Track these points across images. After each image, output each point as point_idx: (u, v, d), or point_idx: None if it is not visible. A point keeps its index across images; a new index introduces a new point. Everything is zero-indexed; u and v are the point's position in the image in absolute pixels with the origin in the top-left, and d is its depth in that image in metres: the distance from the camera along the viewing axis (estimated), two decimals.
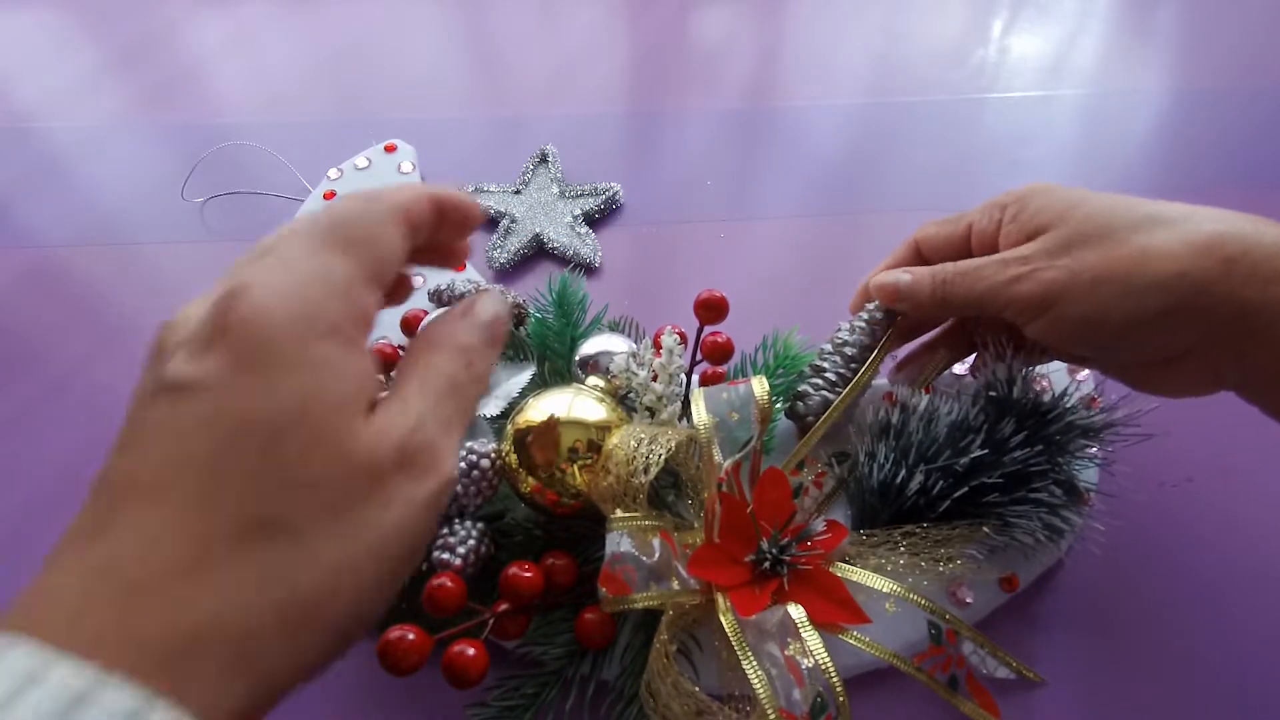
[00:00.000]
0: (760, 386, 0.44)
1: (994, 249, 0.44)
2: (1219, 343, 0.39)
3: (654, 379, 0.48)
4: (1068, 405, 0.46)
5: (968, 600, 0.47)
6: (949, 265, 0.44)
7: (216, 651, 0.20)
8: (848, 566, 0.46)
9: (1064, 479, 0.46)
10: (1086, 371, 0.55)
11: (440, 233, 0.29)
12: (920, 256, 0.49)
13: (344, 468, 0.22)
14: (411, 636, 0.39)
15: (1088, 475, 0.50)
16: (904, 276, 0.46)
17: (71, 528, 0.22)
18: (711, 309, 0.51)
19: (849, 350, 0.49)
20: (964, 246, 0.47)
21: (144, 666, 0.19)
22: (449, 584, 0.42)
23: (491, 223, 0.70)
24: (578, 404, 0.46)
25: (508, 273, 0.67)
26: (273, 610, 0.21)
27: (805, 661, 0.42)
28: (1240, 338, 0.38)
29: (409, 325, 0.55)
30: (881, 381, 0.55)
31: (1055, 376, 0.55)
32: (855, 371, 0.49)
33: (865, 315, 0.50)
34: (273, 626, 0.21)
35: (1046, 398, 0.47)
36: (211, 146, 0.74)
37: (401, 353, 0.53)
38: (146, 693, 0.18)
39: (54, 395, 0.60)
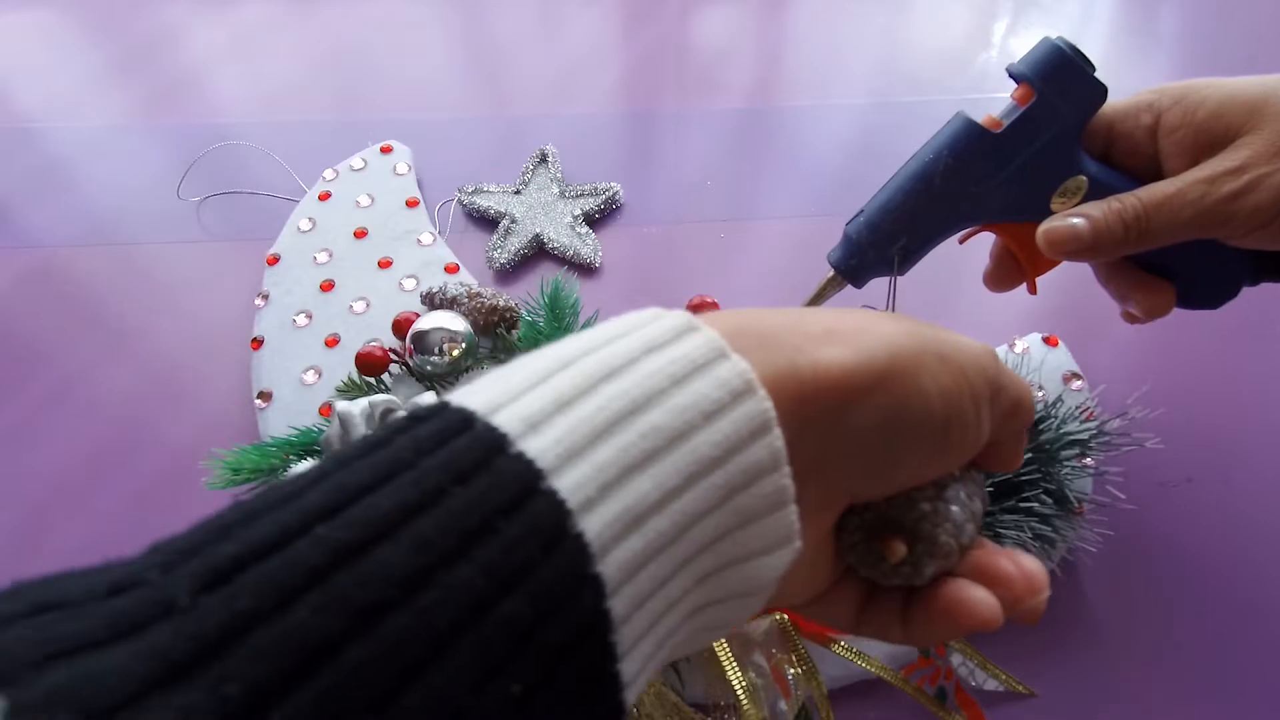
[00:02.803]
0: None
1: (1151, 158, 0.41)
2: None
3: None
4: (1058, 414, 0.46)
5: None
6: (1129, 198, 0.39)
7: None
8: None
9: (1055, 489, 0.45)
10: (1081, 381, 0.55)
11: None
12: None
13: None
14: None
15: (1081, 485, 0.49)
16: (1079, 223, 0.40)
17: None
18: (703, 314, 0.50)
19: None
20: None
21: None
22: None
23: (491, 223, 0.70)
24: None
25: (508, 273, 0.67)
26: None
27: (791, 671, 0.41)
28: None
29: (400, 328, 0.55)
30: None
31: (1049, 384, 0.54)
32: None
33: None
34: None
35: (1039, 406, 0.46)
36: (208, 146, 0.74)
37: (393, 356, 0.53)
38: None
39: (54, 395, 0.60)
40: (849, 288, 0.46)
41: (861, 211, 0.44)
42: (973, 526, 0.26)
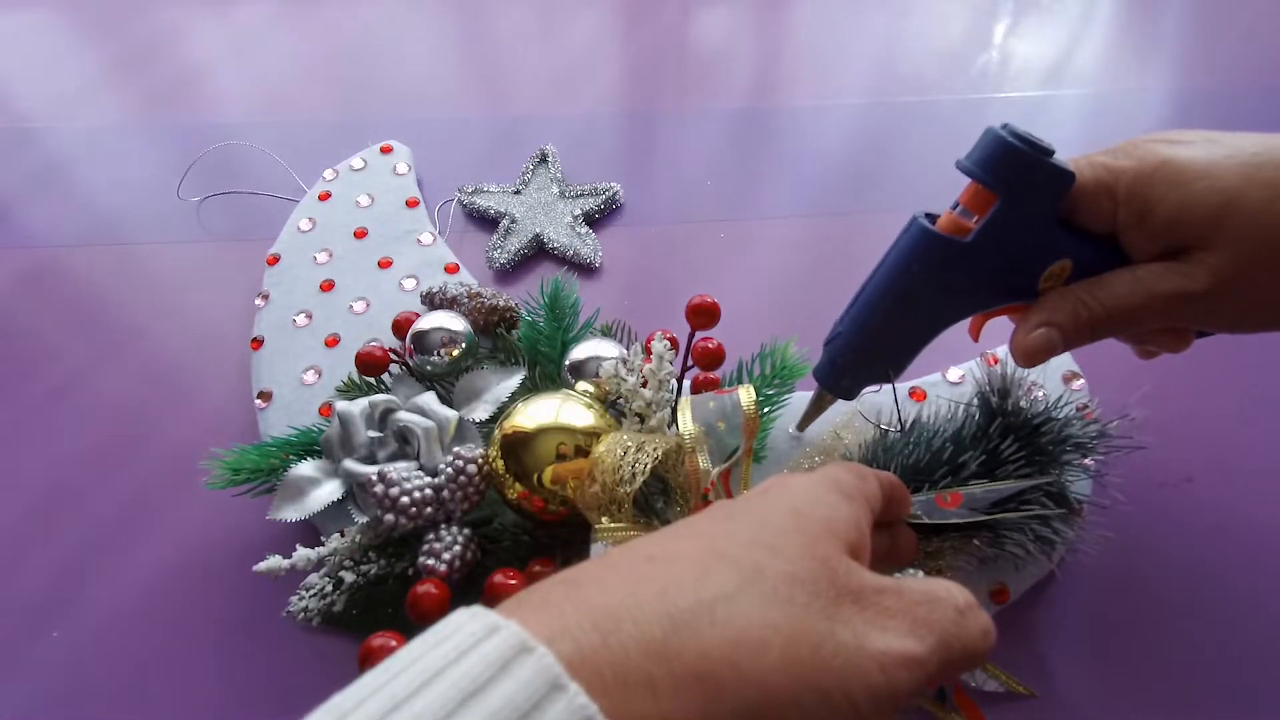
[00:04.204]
0: (747, 396, 0.43)
1: (1114, 230, 0.39)
2: None
3: (644, 385, 0.47)
4: (1059, 416, 0.46)
5: None
6: (1094, 303, 0.39)
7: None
8: None
9: (1055, 490, 0.45)
10: (1081, 381, 0.55)
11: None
12: None
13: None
14: (395, 644, 0.39)
15: (1081, 486, 0.49)
16: (1052, 334, 0.40)
17: None
18: (702, 314, 0.50)
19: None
20: None
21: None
22: (433, 590, 0.42)
23: (491, 223, 0.70)
24: (566, 410, 0.46)
25: (508, 273, 0.67)
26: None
27: None
28: None
29: (400, 328, 0.55)
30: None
31: (1049, 384, 0.54)
32: None
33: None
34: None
35: (1039, 407, 0.46)
36: (208, 146, 0.74)
37: (393, 356, 0.53)
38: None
39: (54, 394, 0.60)
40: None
41: (839, 332, 0.43)
42: None
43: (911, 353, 0.43)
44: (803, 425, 0.50)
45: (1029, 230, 0.39)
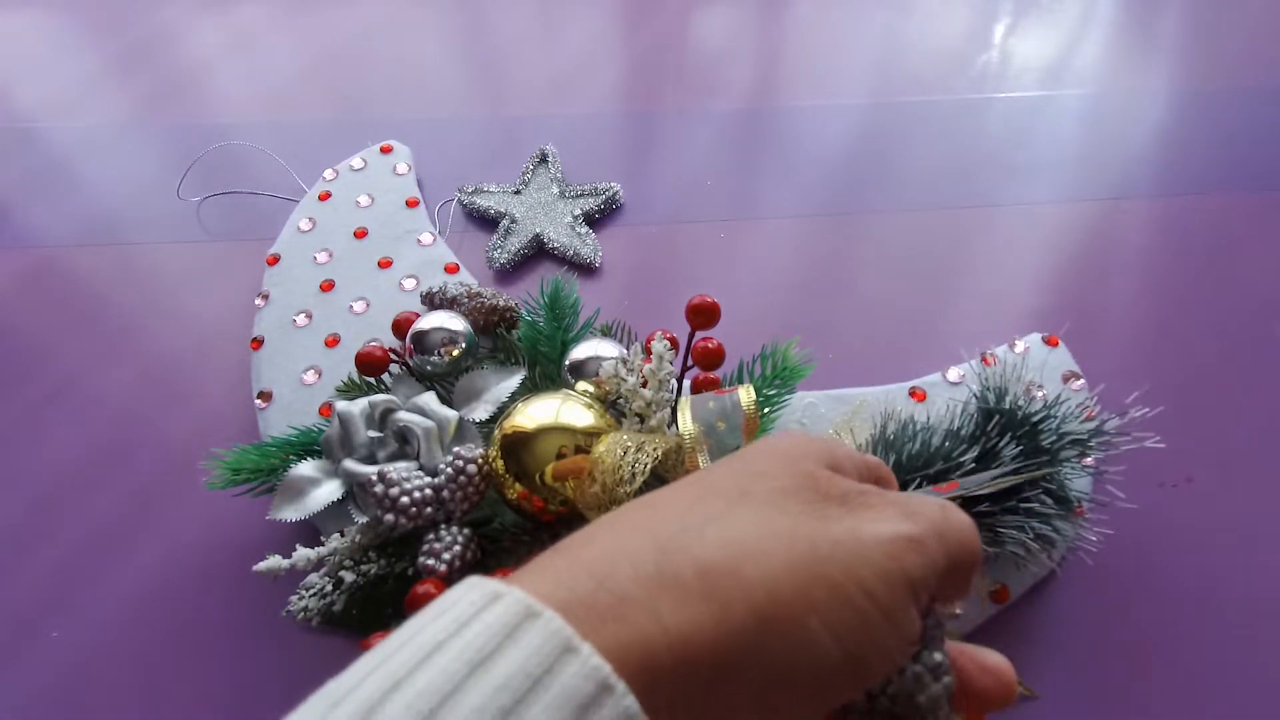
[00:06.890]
0: (747, 395, 0.43)
1: None
2: None
3: (644, 385, 0.47)
4: (1057, 414, 0.46)
5: (956, 611, 0.46)
6: None
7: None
8: None
9: (1055, 488, 0.45)
10: (1081, 380, 0.55)
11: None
12: None
13: None
14: None
15: (1081, 484, 0.49)
16: None
17: None
18: (702, 314, 0.50)
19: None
20: None
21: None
22: (433, 590, 0.42)
23: (491, 223, 0.70)
24: (566, 410, 0.46)
25: (508, 273, 0.67)
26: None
27: None
28: None
29: (400, 327, 0.55)
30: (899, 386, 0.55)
31: (1049, 384, 0.54)
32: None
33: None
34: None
35: (1038, 406, 0.46)
36: (208, 146, 0.74)
37: (393, 355, 0.53)
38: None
39: (54, 394, 0.60)
40: None
41: None
42: (948, 679, 0.25)
43: None
44: None
45: None
